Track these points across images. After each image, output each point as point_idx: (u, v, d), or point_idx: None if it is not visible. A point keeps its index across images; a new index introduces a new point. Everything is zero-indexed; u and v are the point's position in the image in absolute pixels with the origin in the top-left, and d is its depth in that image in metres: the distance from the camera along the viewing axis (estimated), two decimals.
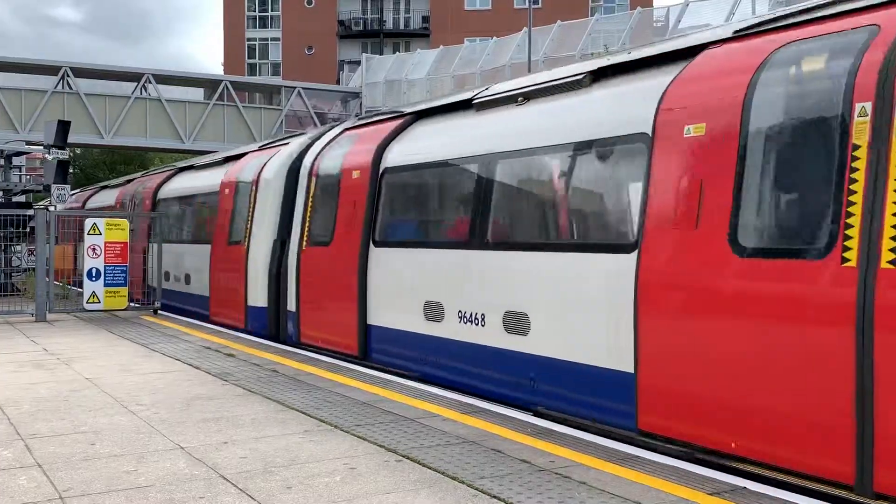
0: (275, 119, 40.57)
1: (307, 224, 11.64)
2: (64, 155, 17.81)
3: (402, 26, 61.49)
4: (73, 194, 27.30)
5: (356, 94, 43.20)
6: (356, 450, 6.01)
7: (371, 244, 10.16)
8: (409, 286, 9.48)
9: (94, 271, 15.12)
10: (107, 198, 24.21)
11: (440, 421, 6.87)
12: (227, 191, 14.62)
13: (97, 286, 15.16)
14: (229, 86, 39.84)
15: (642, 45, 8.34)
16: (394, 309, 9.78)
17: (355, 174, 10.64)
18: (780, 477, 5.30)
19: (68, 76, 36.30)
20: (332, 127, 13.22)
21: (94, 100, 36.83)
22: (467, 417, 6.98)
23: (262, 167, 13.22)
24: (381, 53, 52.64)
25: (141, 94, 37.95)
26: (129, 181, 23.36)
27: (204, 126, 38.64)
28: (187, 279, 16.09)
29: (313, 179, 11.72)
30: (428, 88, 38.66)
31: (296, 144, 13.04)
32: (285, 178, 12.63)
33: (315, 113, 41.20)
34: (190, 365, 9.82)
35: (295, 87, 41.82)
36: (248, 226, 13.32)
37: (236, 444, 6.21)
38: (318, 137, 12.73)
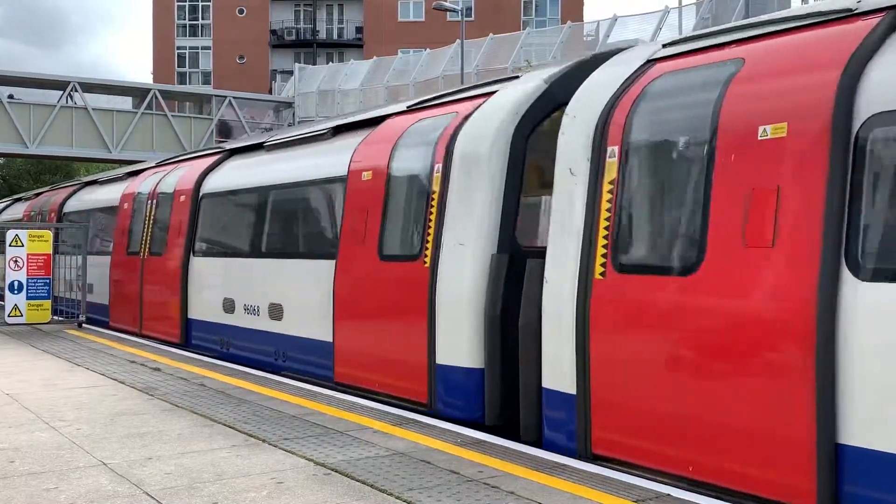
0: (205, 128, 40.02)
1: None
2: None
3: (335, 36, 61.33)
4: (110, 177, 18.68)
5: (289, 104, 42.89)
6: (284, 464, 5.96)
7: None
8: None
9: (15, 284, 14.72)
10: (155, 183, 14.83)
11: (370, 433, 6.86)
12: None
13: (19, 299, 14.75)
14: (158, 94, 39.18)
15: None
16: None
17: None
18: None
19: None
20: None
21: (17, 108, 35.90)
22: (397, 429, 6.98)
23: None
24: (314, 63, 52.34)
25: (67, 102, 37.11)
26: (204, 155, 14.32)
27: (132, 135, 37.93)
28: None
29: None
30: (361, 99, 38.58)
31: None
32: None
33: (247, 123, 40.78)
34: (115, 380, 9.62)
35: (226, 97, 41.33)
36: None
37: (161, 459, 6.11)
38: None
